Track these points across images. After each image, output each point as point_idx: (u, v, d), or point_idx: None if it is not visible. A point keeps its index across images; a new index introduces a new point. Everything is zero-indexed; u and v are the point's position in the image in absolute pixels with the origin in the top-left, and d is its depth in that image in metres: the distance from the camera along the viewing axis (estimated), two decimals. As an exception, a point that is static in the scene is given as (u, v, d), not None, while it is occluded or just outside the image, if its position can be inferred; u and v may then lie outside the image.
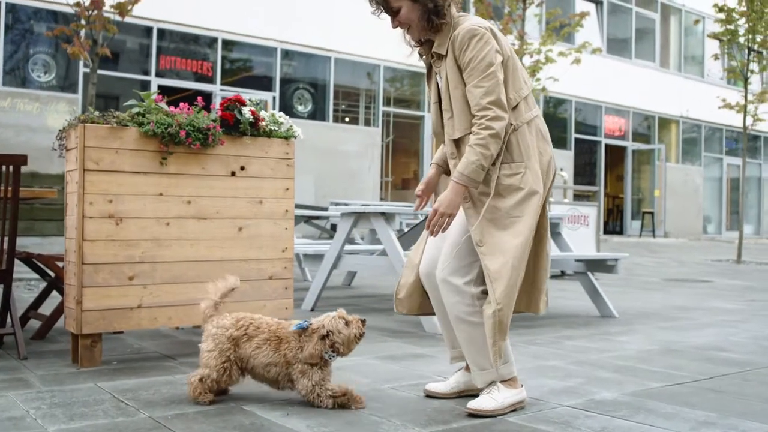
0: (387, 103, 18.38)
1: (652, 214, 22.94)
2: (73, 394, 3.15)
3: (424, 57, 3.24)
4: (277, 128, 4.32)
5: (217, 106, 4.17)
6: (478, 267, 3.01)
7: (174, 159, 3.94)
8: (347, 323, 3.09)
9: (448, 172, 3.25)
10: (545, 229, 3.14)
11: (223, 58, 15.49)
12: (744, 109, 16.80)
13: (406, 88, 19.08)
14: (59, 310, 4.41)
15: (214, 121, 4.05)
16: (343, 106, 17.78)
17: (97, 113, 3.83)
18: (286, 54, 16.28)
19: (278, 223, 4.30)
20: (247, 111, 4.14)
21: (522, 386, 3.10)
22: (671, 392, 3.42)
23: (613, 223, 23.77)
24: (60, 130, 4.00)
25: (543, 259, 3.15)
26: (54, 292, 4.94)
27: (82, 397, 3.12)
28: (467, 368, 3.25)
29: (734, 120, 24.10)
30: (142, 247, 3.83)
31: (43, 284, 5.01)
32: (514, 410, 3.02)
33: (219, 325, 3.11)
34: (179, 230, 3.95)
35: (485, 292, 3.01)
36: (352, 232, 6.09)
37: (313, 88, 16.87)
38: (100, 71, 11.29)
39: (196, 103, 4.11)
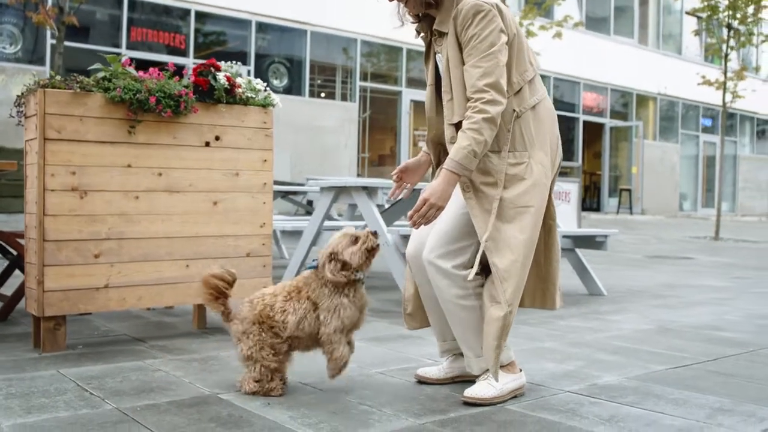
0: (364, 78, 18.06)
1: (629, 191, 22.88)
2: (33, 383, 2.88)
3: (422, 35, 2.95)
4: (254, 96, 4.04)
5: (190, 72, 3.89)
6: (470, 252, 2.77)
7: (143, 128, 3.65)
8: (355, 239, 2.81)
9: (438, 163, 3.00)
10: (553, 219, 2.91)
11: (197, 30, 15.07)
12: (723, 86, 16.69)
13: (383, 63, 18.75)
14: (21, 291, 4.12)
15: (187, 87, 3.76)
16: (319, 81, 17.44)
17: (58, 77, 3.53)
18: (261, 27, 15.88)
19: (256, 196, 4.03)
20: (222, 77, 3.86)
21: (521, 371, 2.87)
22: (676, 376, 3.22)
23: (590, 200, 23.68)
24: (18, 96, 3.69)
25: (554, 251, 2.93)
26: (17, 272, 4.65)
27: (42, 386, 2.85)
28: (460, 353, 3.02)
29: (711, 97, 24.06)
30: (109, 222, 3.55)
31: (6, 263, 4.72)
32: (514, 397, 2.80)
33: (242, 318, 2.83)
34: (149, 204, 3.67)
35: (477, 274, 2.77)
36: (331, 208, 5.82)
37: (289, 62, 16.50)
38: (69, 44, 10.87)
39: (167, 67, 3.82)
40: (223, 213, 3.90)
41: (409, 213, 2.76)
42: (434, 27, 2.83)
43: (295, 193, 8.89)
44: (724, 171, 26.80)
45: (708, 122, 27.33)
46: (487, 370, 2.80)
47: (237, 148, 3.95)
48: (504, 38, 2.70)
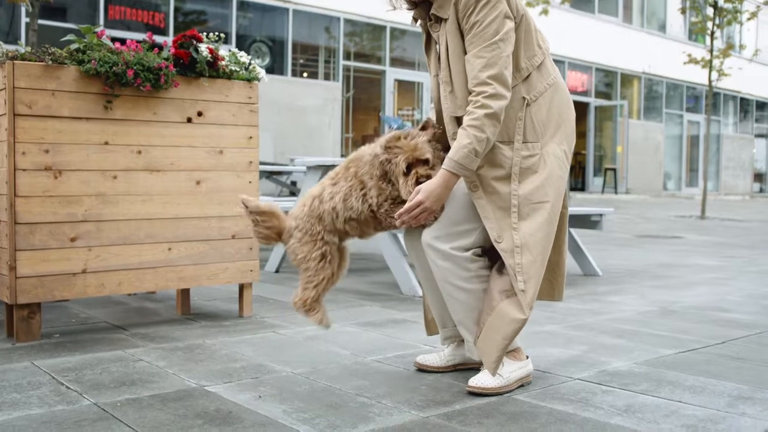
0: (347, 57, 17.79)
1: (614, 170, 22.80)
2: (5, 376, 2.68)
3: (420, 22, 2.73)
4: (238, 69, 3.82)
5: (170, 44, 3.66)
6: (473, 236, 2.59)
7: (121, 103, 3.43)
8: (408, 169, 2.57)
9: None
10: (566, 207, 2.73)
11: (176, 9, 14.73)
12: (709, 64, 16.57)
13: (366, 42, 18.48)
14: (-7, 277, 3.90)
15: (167, 59, 3.54)
16: (301, 61, 17.15)
17: (29, 49, 3.30)
18: (242, 5, 15.56)
19: (241, 175, 3.82)
20: (204, 48, 3.64)
21: (528, 357, 2.70)
22: (687, 360, 3.06)
23: (575, 180, 23.60)
24: (-14, 69, 3.45)
25: (564, 243, 2.77)
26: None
27: (15, 379, 2.64)
28: (462, 340, 2.85)
29: (696, 76, 23.98)
30: (86, 203, 3.34)
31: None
32: (521, 386, 2.63)
33: (294, 216, 2.73)
34: (128, 184, 3.45)
35: (478, 255, 2.60)
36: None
37: (271, 41, 16.20)
38: (45, 22, 10.55)
39: (145, 38, 3.59)
40: (206, 193, 3.70)
41: (399, 212, 2.55)
42: (432, 11, 2.61)
43: (279, 173, 8.68)
44: (709, 149, 26.80)
45: (692, 101, 27.28)
46: (493, 357, 2.63)
47: (221, 124, 3.74)
48: (509, 24, 2.49)
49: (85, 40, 3.40)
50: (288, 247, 2.76)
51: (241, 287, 3.91)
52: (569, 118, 2.68)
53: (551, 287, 2.81)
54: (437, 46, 2.67)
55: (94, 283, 3.37)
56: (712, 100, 24.54)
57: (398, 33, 18.71)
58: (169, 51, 3.59)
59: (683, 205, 20.24)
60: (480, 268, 2.58)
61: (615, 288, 5.10)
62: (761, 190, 31.65)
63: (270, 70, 15.95)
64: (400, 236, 4.98)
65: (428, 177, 2.55)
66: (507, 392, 2.56)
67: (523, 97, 2.56)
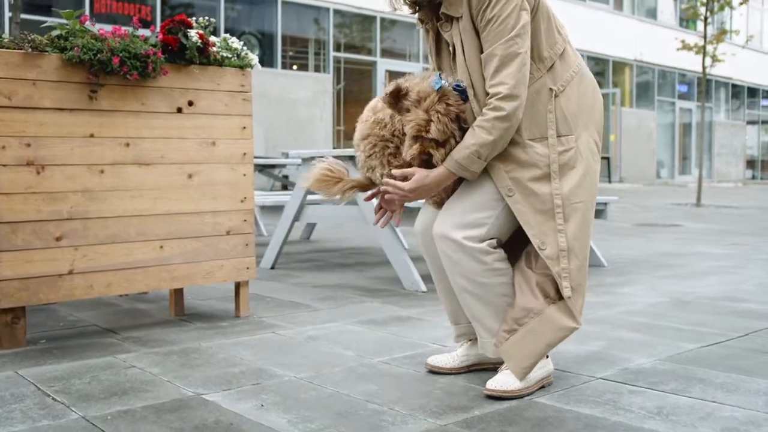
0: (337, 48, 17.57)
1: (608, 159, 22.67)
2: (-14, 387, 2.49)
3: (427, 24, 2.51)
4: (230, 55, 3.63)
5: (158, 29, 3.46)
6: (488, 226, 2.40)
7: (106, 93, 3.23)
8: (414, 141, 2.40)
9: None
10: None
11: (163, 2, 14.49)
12: (703, 50, 16.42)
13: (356, 33, 18.26)
14: (-25, 279, 3.70)
15: (155, 46, 3.34)
16: (291, 53, 16.93)
17: (6, 36, 3.10)
18: (230, -4, 15.32)
19: (235, 168, 3.63)
20: (194, 34, 3.44)
21: (547, 357, 2.52)
22: (713, 355, 2.90)
23: (568, 170, 23.42)
24: (-38, 59, 3.24)
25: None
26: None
27: (-4, 390, 2.45)
28: (476, 339, 2.67)
29: (687, 63, 23.87)
30: (71, 200, 3.14)
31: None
32: (542, 387, 2.46)
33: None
34: (116, 179, 3.26)
35: (493, 246, 2.41)
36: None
37: (260, 33, 15.97)
38: (29, 17, 10.31)
39: (131, 24, 3.39)
40: (199, 187, 3.50)
41: (385, 180, 2.40)
42: (442, 11, 2.40)
43: (272, 166, 8.48)
44: (699, 137, 26.69)
45: (684, 88, 27.17)
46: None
47: (213, 114, 3.54)
48: (525, 18, 2.29)
49: (67, 26, 3.20)
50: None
51: (237, 286, 3.72)
52: (598, 105, 2.51)
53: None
54: (449, 47, 2.48)
55: (81, 285, 3.18)
56: (704, 87, 24.40)
57: (388, 23, 18.50)
58: (156, 37, 3.39)
59: (677, 193, 20.14)
60: (496, 260, 2.40)
61: (623, 279, 4.93)
62: (753, 177, 31.60)
63: (260, 62, 15.70)
64: (398, 230, 4.81)
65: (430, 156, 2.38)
66: (528, 395, 2.38)
67: (551, 89, 2.38)
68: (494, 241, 2.41)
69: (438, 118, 2.30)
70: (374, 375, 2.64)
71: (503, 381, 2.37)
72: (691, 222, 10.70)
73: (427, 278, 4.80)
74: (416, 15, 2.55)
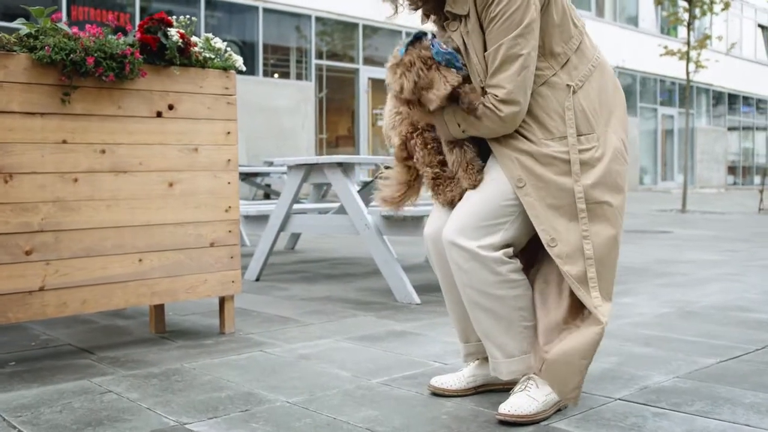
0: (319, 56, 17.38)
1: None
2: (-54, 418, 2.25)
3: (433, 18, 2.33)
4: (213, 56, 3.41)
5: (135, 29, 3.25)
6: (502, 232, 2.20)
7: (80, 96, 3.01)
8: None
9: None
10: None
11: (143, 9, 14.23)
12: (687, 56, 16.38)
13: (338, 41, 18.08)
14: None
15: (132, 45, 3.13)
16: (272, 61, 16.71)
17: (-30, 34, 2.87)
18: (210, 4, 15.09)
19: (219, 176, 3.41)
20: (174, 33, 3.22)
21: (563, 378, 2.32)
22: (734, 371, 2.71)
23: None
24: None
25: None
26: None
27: (-43, 421, 2.22)
28: (485, 357, 2.47)
29: (669, 69, 23.88)
30: (43, 211, 2.91)
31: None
32: (558, 410, 2.26)
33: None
34: (91, 188, 3.03)
35: (509, 255, 2.22)
36: (300, 189, 5.20)
37: (241, 41, 15.75)
38: (4, 24, 10.04)
39: (107, 22, 3.17)
40: (180, 196, 3.28)
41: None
42: (446, 8, 2.21)
43: (255, 174, 8.26)
44: (682, 143, 26.70)
45: (666, 95, 27.20)
46: (525, 376, 2.26)
47: (195, 118, 3.33)
48: (533, 14, 2.10)
49: (38, 24, 2.98)
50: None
51: (222, 300, 3.50)
52: (620, 100, 2.32)
53: None
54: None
55: (54, 302, 2.94)
56: (689, 93, 24.39)
57: (370, 31, 18.34)
58: (134, 36, 3.17)
59: (661, 199, 20.09)
60: (511, 271, 2.20)
61: (623, 288, 4.75)
62: (735, 183, 31.69)
63: (240, 71, 15.47)
64: (387, 239, 4.61)
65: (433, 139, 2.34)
66: (544, 419, 2.18)
67: (568, 85, 2.19)
68: (510, 250, 2.21)
69: (402, 75, 2.14)
70: (374, 398, 2.42)
71: (517, 404, 2.17)
72: (679, 228, 10.59)
73: (420, 290, 4.60)
74: (420, 11, 2.35)
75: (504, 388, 2.45)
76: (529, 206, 2.17)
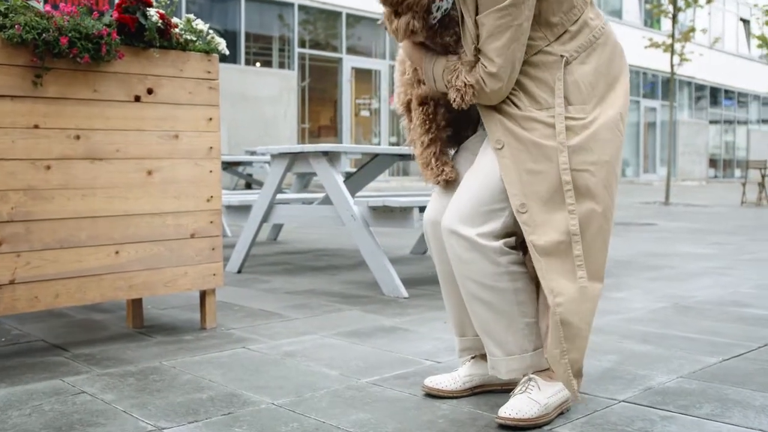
0: (302, 45, 17.17)
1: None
2: None
3: None
4: (194, 38, 3.26)
5: (113, 8, 3.08)
6: (503, 219, 2.08)
7: (54, 78, 2.84)
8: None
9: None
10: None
11: (120, -6, 13.94)
12: (671, 48, 16.34)
13: (321, 30, 17.88)
14: None
15: (109, 26, 2.96)
16: (255, 49, 16.49)
17: (-65, 11, 2.70)
18: (191, -10, 14.85)
19: (200, 163, 3.26)
20: (154, 14, 3.06)
21: (565, 378, 2.20)
22: (739, 370, 2.60)
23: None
24: None
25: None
26: None
27: None
28: (482, 356, 2.35)
29: (652, 62, 23.87)
30: (12, 200, 2.75)
31: None
32: (561, 413, 2.14)
33: None
34: (65, 176, 2.87)
35: (510, 245, 2.09)
36: (284, 178, 5.05)
37: (223, 29, 15.51)
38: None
39: (83, 2, 3.01)
40: (159, 185, 3.13)
41: None
42: None
43: (237, 164, 8.09)
44: (664, 136, 26.76)
45: (649, 87, 27.22)
46: (526, 377, 2.13)
47: (175, 103, 3.17)
48: None
49: (7, 1, 2.81)
50: None
51: (203, 294, 3.35)
52: (622, 78, 2.17)
53: None
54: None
55: (25, 296, 2.78)
56: (666, 86, 24.38)
57: (353, 20, 18.15)
58: (111, 16, 3.01)
59: (644, 192, 20.11)
60: (511, 262, 2.07)
61: (613, 282, 4.65)
62: (715, 176, 31.82)
63: (221, 58, 15.23)
64: (373, 230, 4.47)
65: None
66: (547, 423, 2.06)
67: (562, 55, 2.06)
68: (512, 240, 2.08)
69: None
70: (364, 400, 2.29)
71: (518, 407, 2.04)
72: (664, 220, 10.54)
73: (407, 283, 4.47)
74: None
75: (502, 389, 2.33)
76: (505, 169, 2.05)
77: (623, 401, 2.26)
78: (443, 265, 2.27)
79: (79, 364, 2.71)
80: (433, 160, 2.25)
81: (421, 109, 2.24)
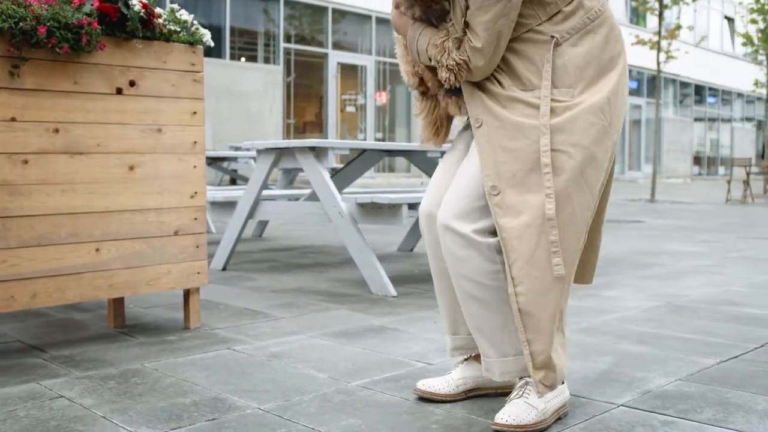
0: (288, 39, 17.04)
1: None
2: None
3: None
4: (178, 29, 3.16)
5: (93, -3, 2.97)
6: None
7: (31, 69, 2.74)
8: None
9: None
10: (611, 176, 2.15)
11: (103, -13, 13.76)
12: (657, 45, 16.34)
13: (307, 26, 17.76)
14: None
15: (89, 15, 2.85)
16: (240, 44, 16.35)
17: None
18: (175, -17, 14.69)
19: (184, 158, 3.16)
20: (136, 3, 2.96)
21: (563, 383, 2.13)
22: (738, 372, 2.54)
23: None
24: None
25: (603, 215, 2.20)
26: None
27: None
28: (476, 357, 2.27)
29: (637, 60, 23.87)
30: (-12, 195, 2.65)
31: None
32: (558, 419, 2.06)
33: None
34: (43, 171, 2.77)
35: None
36: (270, 174, 4.95)
37: (207, 23, 15.35)
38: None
39: (61, -11, 2.89)
40: (142, 180, 3.03)
41: None
42: None
43: (223, 159, 7.98)
44: (649, 133, 26.82)
45: (634, 84, 27.25)
46: (522, 381, 2.06)
47: (158, 96, 3.07)
48: None
49: (-17, -11, 2.70)
50: None
51: (187, 293, 3.26)
52: (616, 60, 2.06)
53: (583, 268, 2.24)
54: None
55: (0, 296, 2.68)
56: (651, 84, 24.42)
57: (339, 15, 18.04)
58: (92, 5, 2.90)
59: (629, 189, 20.13)
60: None
61: (604, 280, 4.58)
62: (699, 174, 31.95)
63: (206, 52, 15.09)
64: (361, 227, 4.39)
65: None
66: (544, 429, 1.98)
67: (552, 36, 1.97)
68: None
69: None
70: (354, 405, 2.21)
71: (515, 413, 1.96)
72: (650, 218, 10.53)
73: (395, 281, 4.39)
74: None
75: (496, 393, 2.26)
76: (481, 149, 1.98)
77: (622, 405, 2.19)
78: (437, 261, 2.19)
79: (57, 367, 2.61)
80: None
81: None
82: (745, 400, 2.23)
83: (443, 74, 2.00)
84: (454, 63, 1.97)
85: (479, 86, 2.03)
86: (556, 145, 1.94)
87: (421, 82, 2.23)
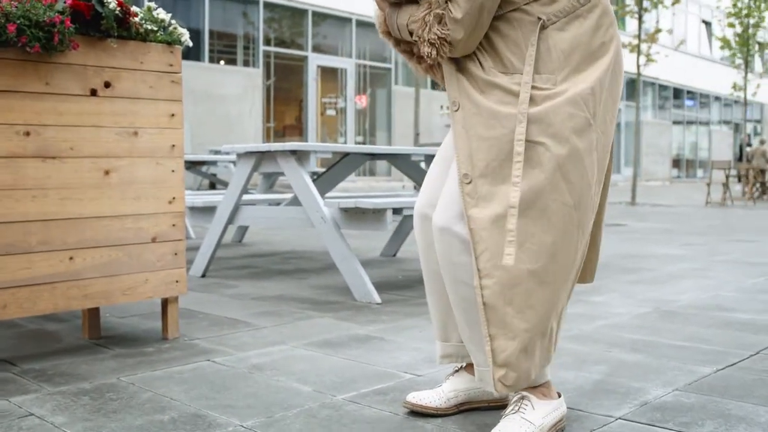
0: (267, 42, 16.91)
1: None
2: None
3: None
4: (155, 29, 3.04)
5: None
6: None
7: (0, 69, 2.61)
8: None
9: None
10: (610, 172, 2.06)
11: (80, -11, 13.57)
12: (638, 49, 16.38)
13: (286, 29, 17.63)
14: None
15: (62, 13, 2.74)
16: (219, 47, 16.19)
17: None
18: (153, -15, 14.51)
19: (162, 162, 3.05)
20: (111, 1, 2.84)
21: (560, 396, 2.04)
22: (736, 381, 2.46)
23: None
24: None
25: (603, 213, 2.11)
26: None
27: None
28: (468, 368, 2.18)
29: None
30: (-45, 201, 2.52)
31: None
32: (555, 434, 1.98)
33: None
34: (13, 176, 2.64)
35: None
36: (251, 178, 4.84)
37: (186, 26, 15.20)
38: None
39: (32, -13, 2.77)
40: (118, 185, 2.91)
41: None
42: None
43: (202, 163, 7.85)
44: (629, 136, 26.92)
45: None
46: (518, 395, 1.96)
47: (135, 98, 2.95)
48: None
49: (-51, -14, 2.58)
50: None
51: (165, 302, 3.14)
52: (606, 48, 1.95)
53: (583, 267, 2.14)
54: None
55: (-32, 307, 2.55)
56: (630, 87, 24.49)
57: (319, 18, 17.93)
58: (64, 2, 2.78)
59: (610, 192, 20.14)
60: None
61: (591, 285, 4.51)
62: (678, 176, 32.12)
63: (185, 55, 14.95)
64: (344, 232, 4.29)
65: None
66: (541, 446, 1.89)
67: (539, 18, 1.88)
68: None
69: None
70: (341, 421, 2.10)
71: (511, 429, 1.87)
72: (632, 221, 10.51)
73: (379, 287, 4.30)
74: None
75: (488, 407, 2.16)
76: (456, 135, 1.90)
77: (620, 419, 2.10)
78: (430, 263, 2.10)
79: (28, 381, 2.48)
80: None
81: None
82: (746, 411, 2.16)
83: (425, 49, 1.91)
84: (436, 37, 1.88)
85: (460, 67, 1.94)
86: (533, 136, 1.84)
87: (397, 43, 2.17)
